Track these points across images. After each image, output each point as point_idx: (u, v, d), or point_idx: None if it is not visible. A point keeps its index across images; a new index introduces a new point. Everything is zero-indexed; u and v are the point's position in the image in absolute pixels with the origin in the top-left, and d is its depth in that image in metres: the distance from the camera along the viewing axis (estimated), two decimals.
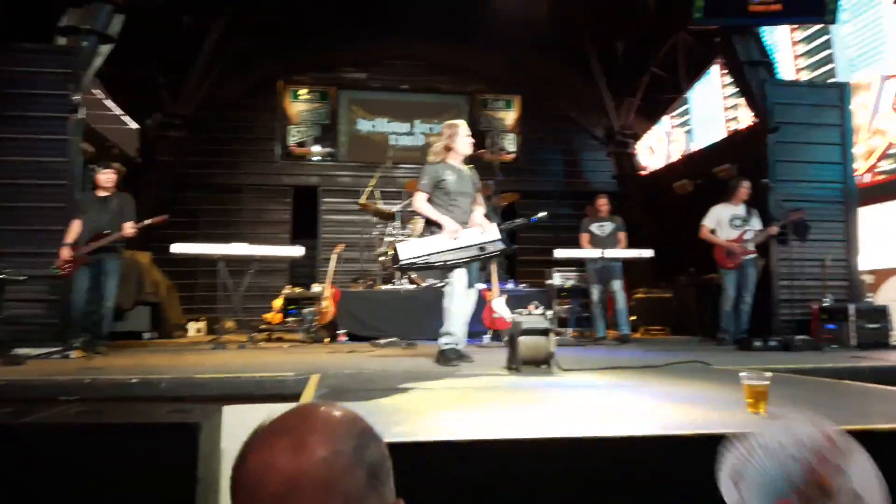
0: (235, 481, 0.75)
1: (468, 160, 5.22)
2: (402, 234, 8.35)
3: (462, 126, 5.09)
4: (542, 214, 6.88)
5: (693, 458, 1.90)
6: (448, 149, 5.05)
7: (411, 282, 8.52)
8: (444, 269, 4.96)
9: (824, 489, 0.92)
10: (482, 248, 4.82)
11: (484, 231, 4.91)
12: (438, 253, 4.75)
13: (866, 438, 2.02)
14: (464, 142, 5.05)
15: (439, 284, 5.25)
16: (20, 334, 6.08)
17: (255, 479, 0.73)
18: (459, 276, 4.87)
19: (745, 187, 7.24)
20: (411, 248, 4.79)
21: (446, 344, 4.87)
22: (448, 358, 4.79)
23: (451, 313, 4.86)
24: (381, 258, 8.62)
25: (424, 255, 4.73)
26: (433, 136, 11.00)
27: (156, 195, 10.70)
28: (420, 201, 4.99)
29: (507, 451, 1.92)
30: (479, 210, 5.15)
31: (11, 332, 5.90)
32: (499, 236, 4.91)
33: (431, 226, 4.99)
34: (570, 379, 3.86)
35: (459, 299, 4.88)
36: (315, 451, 0.73)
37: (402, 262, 4.73)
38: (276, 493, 0.71)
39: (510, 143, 12.85)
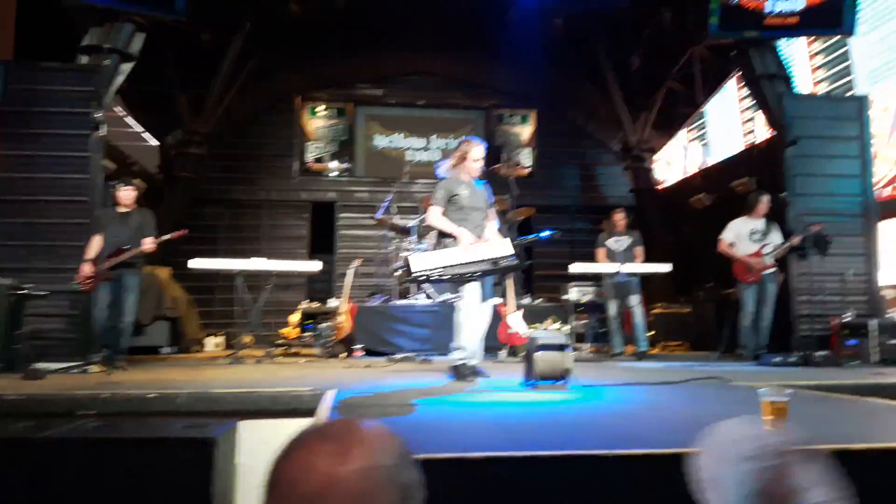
0: (272, 477, 0.76)
1: (484, 175, 5.21)
2: (419, 249, 8.37)
3: (475, 147, 5.02)
4: (551, 232, 6.84)
5: None
6: (460, 164, 5.04)
7: (428, 297, 8.52)
8: (457, 283, 4.92)
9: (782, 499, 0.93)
10: (495, 263, 4.77)
11: (497, 246, 4.87)
12: (451, 266, 4.71)
13: (890, 457, 1.99)
14: (472, 165, 5.01)
15: (454, 299, 5.22)
16: (41, 349, 6.15)
17: (292, 477, 0.73)
18: (472, 290, 4.85)
19: (764, 202, 7.18)
20: (424, 261, 4.77)
21: (459, 359, 4.85)
22: (462, 373, 4.77)
23: (463, 328, 4.84)
24: (397, 273, 8.63)
25: (437, 268, 4.70)
26: (449, 152, 11.03)
27: (176, 211, 10.82)
28: (434, 215, 4.97)
29: (523, 467, 1.90)
30: (493, 225, 5.14)
31: (33, 347, 5.97)
32: (512, 251, 4.86)
33: (444, 238, 4.96)
34: (587, 394, 3.83)
35: (472, 314, 4.85)
36: (355, 462, 0.74)
37: (414, 274, 4.72)
38: (309, 494, 0.72)
39: (526, 158, 12.86)
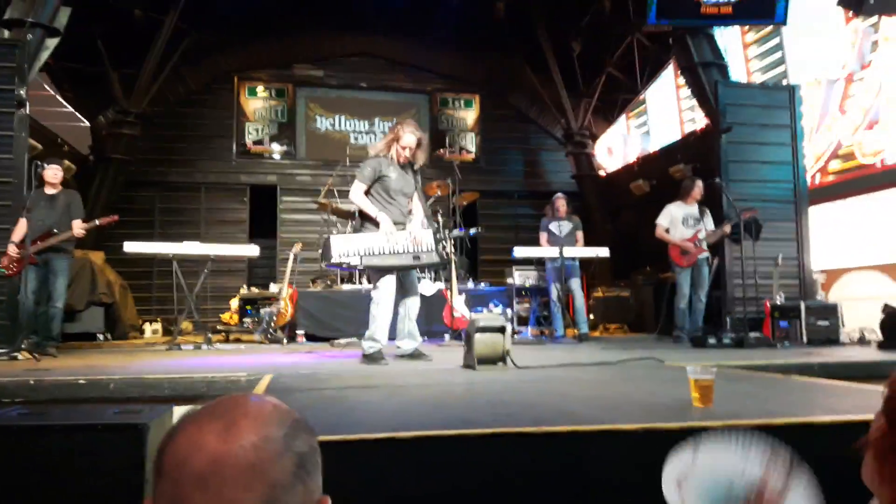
0: (160, 460, 0.73)
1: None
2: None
3: (406, 134, 4.86)
4: (477, 229, 6.86)
5: (638, 452, 1.93)
6: (392, 145, 4.90)
7: (369, 281, 8.48)
8: (375, 273, 4.83)
9: None
10: (416, 258, 4.72)
11: (420, 240, 4.78)
12: (372, 256, 4.64)
13: (808, 430, 2.07)
14: (400, 150, 4.87)
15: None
16: None
17: (181, 458, 0.71)
18: (388, 283, 4.76)
19: (698, 187, 7.37)
20: (345, 244, 4.67)
21: (370, 348, 4.77)
22: (375, 358, 4.72)
23: (377, 320, 4.76)
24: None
25: (358, 254, 4.62)
26: None
27: (109, 193, 10.49)
28: (357, 192, 4.85)
29: (453, 446, 1.92)
30: (418, 214, 5.04)
31: None
32: (433, 247, 4.81)
33: (366, 221, 4.87)
34: (524, 375, 3.88)
35: (386, 306, 4.77)
36: (244, 435, 0.72)
37: (332, 259, 4.63)
38: (201, 473, 0.70)
39: (470, 143, 12.89)
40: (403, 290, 4.99)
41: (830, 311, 7.00)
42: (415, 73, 12.75)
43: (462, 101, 13.01)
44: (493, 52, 12.51)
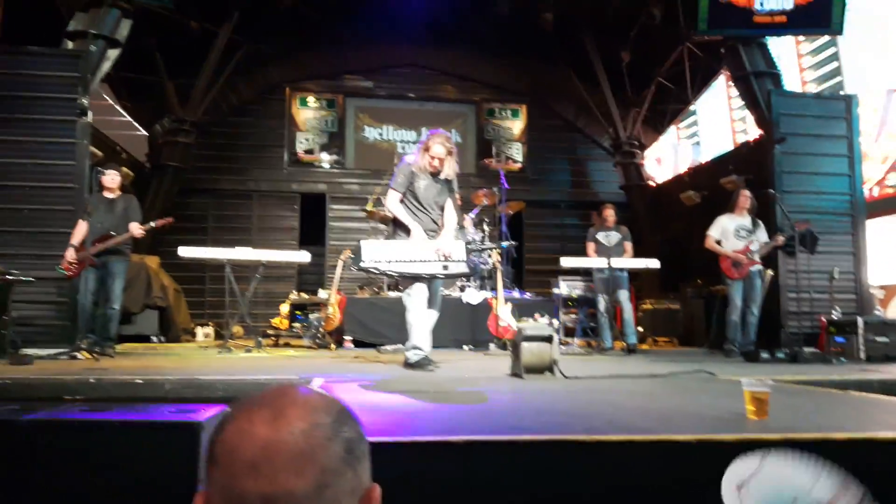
0: (212, 449, 0.76)
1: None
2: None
3: (435, 144, 4.86)
4: (510, 243, 6.82)
5: (692, 463, 1.90)
6: (422, 156, 4.92)
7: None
8: (405, 280, 4.86)
9: None
10: (445, 267, 4.73)
11: (448, 250, 4.78)
12: (402, 262, 4.68)
13: (868, 446, 2.02)
14: (430, 158, 4.87)
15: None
16: (29, 335, 6.15)
17: (232, 446, 0.74)
18: (419, 290, 4.79)
19: (743, 195, 7.24)
20: (376, 250, 4.71)
21: (416, 356, 4.78)
22: (421, 364, 4.72)
23: (414, 327, 4.79)
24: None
25: (387, 261, 4.66)
26: None
27: (163, 200, 10.78)
28: (392, 200, 4.93)
29: (505, 451, 1.92)
30: (449, 225, 5.04)
31: (20, 333, 5.95)
32: (464, 257, 4.82)
33: (399, 228, 4.93)
34: (573, 385, 3.85)
35: (420, 312, 4.79)
36: (293, 423, 0.74)
37: (362, 264, 4.67)
38: (253, 460, 0.72)
39: (517, 153, 12.88)
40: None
41: (890, 328, 6.78)
42: (461, 83, 12.82)
43: (509, 111, 13.01)
44: (539, 62, 12.49)
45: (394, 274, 4.84)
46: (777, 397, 2.52)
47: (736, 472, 1.00)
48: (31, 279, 6.11)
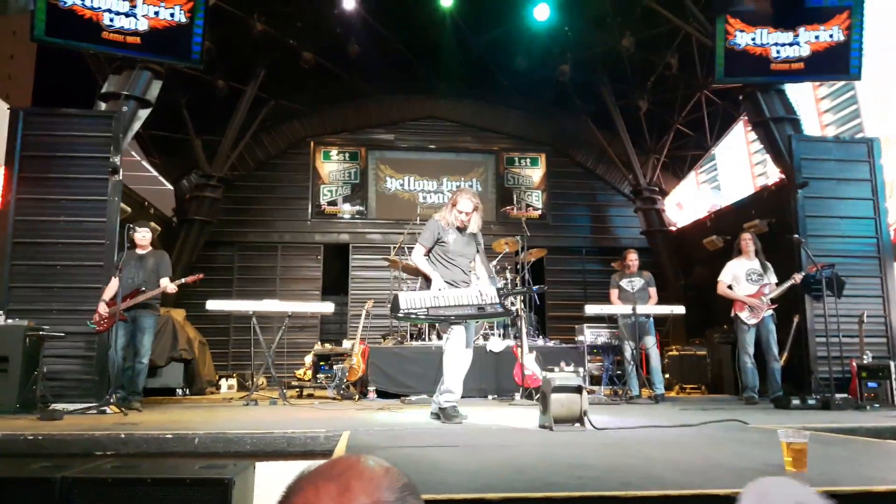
0: None
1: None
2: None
3: (462, 199, 5.06)
4: (541, 287, 6.86)
5: None
6: (452, 210, 5.10)
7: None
8: (442, 323, 4.99)
9: None
10: (481, 309, 4.84)
11: (483, 294, 4.90)
12: (438, 308, 4.78)
13: None
14: (456, 214, 5.06)
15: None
16: (58, 390, 6.21)
17: None
18: (457, 333, 4.90)
19: (743, 239, 7.27)
20: (412, 299, 4.82)
21: (447, 402, 4.86)
22: (450, 415, 4.78)
23: (449, 371, 4.89)
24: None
25: (424, 307, 4.76)
26: None
27: (190, 253, 10.95)
28: (417, 254, 5.11)
29: None
30: (483, 273, 5.21)
31: (50, 388, 6.02)
32: (497, 300, 4.92)
33: (427, 281, 5.05)
34: (603, 437, 3.81)
35: (457, 356, 4.90)
36: (357, 498, 0.75)
37: (401, 311, 4.76)
38: None
39: (537, 200, 12.95)
40: None
41: None
42: (481, 133, 13.01)
43: (528, 160, 13.13)
44: (558, 111, 12.69)
45: (433, 319, 4.90)
46: (813, 447, 2.48)
47: (758, 487, 1.01)
48: (61, 334, 6.21)
